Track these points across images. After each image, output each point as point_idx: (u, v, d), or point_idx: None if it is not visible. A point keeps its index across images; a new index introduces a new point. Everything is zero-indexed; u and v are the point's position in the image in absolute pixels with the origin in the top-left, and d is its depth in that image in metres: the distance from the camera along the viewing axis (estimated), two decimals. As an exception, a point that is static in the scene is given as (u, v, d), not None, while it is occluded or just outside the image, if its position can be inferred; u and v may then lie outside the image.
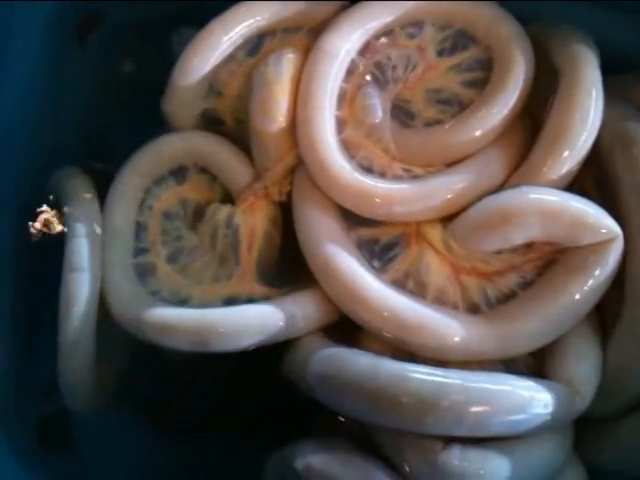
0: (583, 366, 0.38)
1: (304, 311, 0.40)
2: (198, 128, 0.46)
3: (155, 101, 0.44)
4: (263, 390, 0.43)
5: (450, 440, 0.35)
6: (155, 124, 0.45)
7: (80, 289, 0.40)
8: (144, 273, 0.43)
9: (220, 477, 0.44)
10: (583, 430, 0.39)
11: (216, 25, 0.43)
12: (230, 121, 0.46)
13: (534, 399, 0.35)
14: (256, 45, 0.44)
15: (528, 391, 0.35)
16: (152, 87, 0.44)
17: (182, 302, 0.42)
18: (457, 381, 0.35)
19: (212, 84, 0.44)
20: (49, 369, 0.41)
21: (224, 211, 0.43)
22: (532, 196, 0.37)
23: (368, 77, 0.43)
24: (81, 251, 0.41)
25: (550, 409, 0.35)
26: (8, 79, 0.45)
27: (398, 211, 0.40)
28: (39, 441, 0.44)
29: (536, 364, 0.39)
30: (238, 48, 0.44)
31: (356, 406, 0.36)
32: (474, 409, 0.34)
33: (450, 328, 0.37)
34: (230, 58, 0.44)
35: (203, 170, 0.45)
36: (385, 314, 0.38)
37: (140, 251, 0.44)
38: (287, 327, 0.39)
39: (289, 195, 0.44)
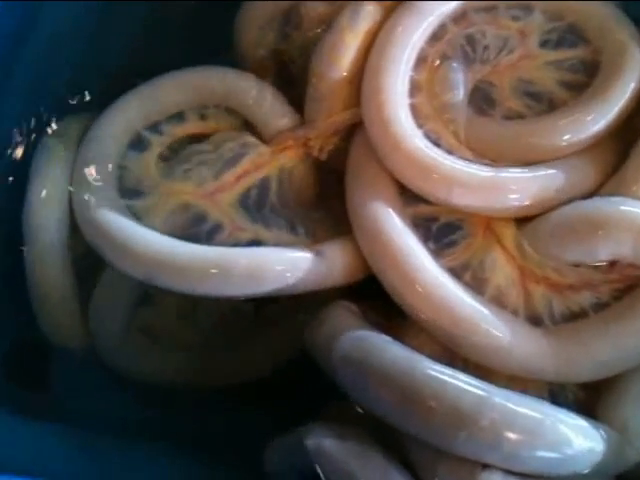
0: (641, 415, 0.32)
1: (330, 263, 0.36)
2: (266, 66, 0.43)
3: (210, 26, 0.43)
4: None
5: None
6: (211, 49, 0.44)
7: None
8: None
9: (210, 441, 0.37)
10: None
11: None
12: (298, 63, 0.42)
13: (582, 440, 0.30)
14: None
15: (577, 430, 0.30)
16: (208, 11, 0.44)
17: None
18: (501, 400, 0.29)
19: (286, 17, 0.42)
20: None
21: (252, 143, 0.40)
22: (628, 208, 0.32)
23: (456, 48, 0.38)
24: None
25: (597, 456, 0.30)
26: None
27: (459, 196, 0.35)
28: (7, 377, 0.39)
29: (587, 400, 0.34)
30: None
31: (381, 400, 0.31)
32: (514, 436, 0.29)
33: (506, 333, 0.33)
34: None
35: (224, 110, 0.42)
36: (437, 301, 0.33)
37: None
38: (309, 277, 0.36)
39: (329, 157, 0.40)
